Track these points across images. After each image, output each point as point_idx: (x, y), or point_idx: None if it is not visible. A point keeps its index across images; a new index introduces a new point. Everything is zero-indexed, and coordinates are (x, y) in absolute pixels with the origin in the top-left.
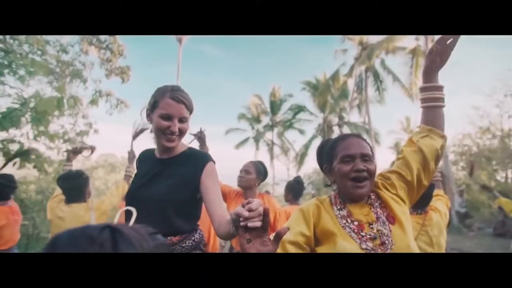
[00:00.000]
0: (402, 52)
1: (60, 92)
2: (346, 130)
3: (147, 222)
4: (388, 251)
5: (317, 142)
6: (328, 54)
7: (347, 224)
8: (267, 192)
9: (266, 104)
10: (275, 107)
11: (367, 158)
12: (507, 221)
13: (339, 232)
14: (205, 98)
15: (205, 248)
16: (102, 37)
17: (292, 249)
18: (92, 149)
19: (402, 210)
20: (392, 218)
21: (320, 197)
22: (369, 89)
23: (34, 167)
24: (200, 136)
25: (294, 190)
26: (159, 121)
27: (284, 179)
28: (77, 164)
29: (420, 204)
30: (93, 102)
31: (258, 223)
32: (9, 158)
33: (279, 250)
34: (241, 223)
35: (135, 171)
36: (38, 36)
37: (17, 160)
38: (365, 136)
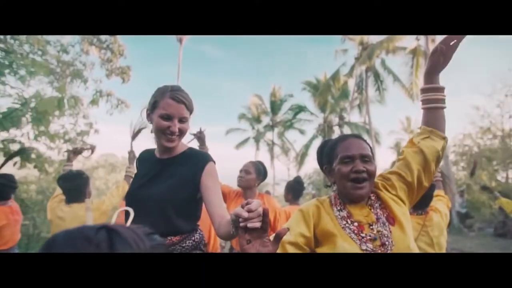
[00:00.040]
0: (403, 52)
1: (60, 92)
2: (346, 130)
3: (147, 222)
4: (388, 252)
5: (317, 142)
6: (329, 54)
7: (347, 225)
8: (268, 192)
9: (266, 104)
10: (275, 107)
11: (367, 159)
12: (508, 222)
13: (339, 233)
14: (205, 98)
15: (205, 248)
16: (103, 37)
17: (292, 250)
18: (93, 148)
19: (402, 211)
20: (392, 219)
21: (320, 198)
22: (370, 89)
23: (35, 167)
24: (200, 136)
25: (294, 190)
26: (159, 121)
27: (285, 179)
28: (78, 164)
29: (421, 204)
30: (94, 102)
31: (257, 224)
32: (9, 155)
33: (279, 251)
34: (241, 224)
35: (136, 171)
36: (39, 36)
37: (18, 160)
38: (365, 136)
